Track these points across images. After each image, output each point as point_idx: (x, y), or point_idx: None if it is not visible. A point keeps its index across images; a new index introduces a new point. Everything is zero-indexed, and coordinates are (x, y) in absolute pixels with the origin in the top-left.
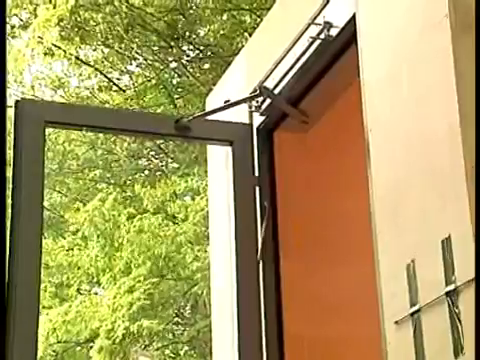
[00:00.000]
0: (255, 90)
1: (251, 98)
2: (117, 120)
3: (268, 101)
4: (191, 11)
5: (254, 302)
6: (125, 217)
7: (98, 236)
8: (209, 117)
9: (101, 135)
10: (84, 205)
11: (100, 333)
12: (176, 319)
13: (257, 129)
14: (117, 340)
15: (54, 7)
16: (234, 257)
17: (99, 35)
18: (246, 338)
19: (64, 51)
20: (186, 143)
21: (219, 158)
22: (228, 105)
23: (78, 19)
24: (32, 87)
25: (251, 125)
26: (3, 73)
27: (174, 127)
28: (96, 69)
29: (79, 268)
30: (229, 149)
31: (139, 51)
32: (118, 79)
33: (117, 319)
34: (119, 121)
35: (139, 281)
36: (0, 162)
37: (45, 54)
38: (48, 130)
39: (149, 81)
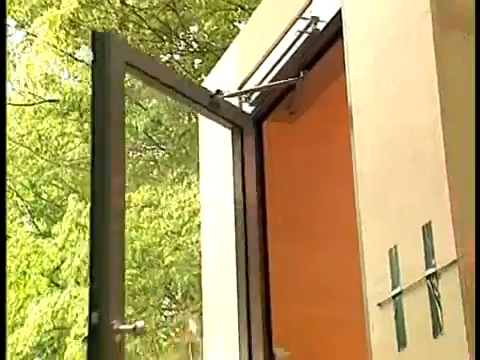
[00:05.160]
0: (245, 82)
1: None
2: (176, 82)
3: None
4: (184, 8)
5: (244, 285)
6: None
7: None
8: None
9: None
10: (78, 195)
11: (78, 321)
12: (167, 304)
13: None
14: None
15: (58, 8)
16: (227, 241)
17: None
18: (239, 321)
19: (61, 51)
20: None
21: (212, 145)
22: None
23: (72, 18)
24: (25, 85)
25: None
26: (3, 72)
27: (209, 102)
28: (88, 65)
29: (70, 265)
30: (230, 133)
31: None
32: None
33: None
34: (177, 84)
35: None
36: (0, 161)
37: (39, 52)
38: (47, 123)
39: None
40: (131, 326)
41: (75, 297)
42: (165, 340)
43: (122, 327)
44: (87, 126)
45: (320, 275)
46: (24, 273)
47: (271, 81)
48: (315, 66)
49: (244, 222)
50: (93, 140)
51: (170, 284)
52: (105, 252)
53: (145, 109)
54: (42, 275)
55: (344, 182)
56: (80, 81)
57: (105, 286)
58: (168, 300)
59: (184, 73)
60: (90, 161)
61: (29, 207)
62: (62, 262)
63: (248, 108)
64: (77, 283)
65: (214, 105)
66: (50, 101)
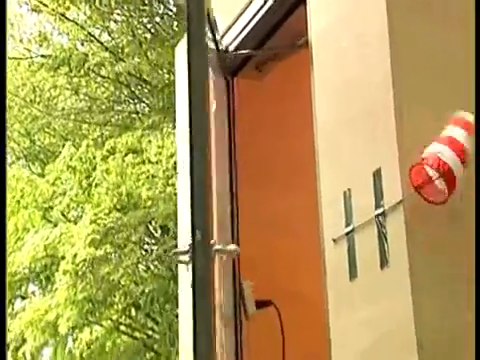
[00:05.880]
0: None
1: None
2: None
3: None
4: None
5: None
6: (100, 158)
7: (76, 176)
8: None
9: (83, 82)
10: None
11: (66, 256)
12: (147, 240)
13: None
14: (79, 264)
15: None
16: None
17: None
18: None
19: (53, 10)
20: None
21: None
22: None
23: None
24: (21, 40)
25: None
26: (3, 70)
27: (222, 57)
28: (78, 24)
29: (61, 202)
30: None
31: (118, 8)
32: (99, 33)
33: (80, 248)
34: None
35: (104, 213)
36: (0, 160)
37: (33, 10)
38: (40, 76)
39: (125, 36)
40: (228, 248)
41: (65, 233)
42: (145, 272)
43: (221, 247)
44: (76, 80)
45: (283, 215)
46: (18, 202)
47: (240, 42)
48: (280, 29)
49: (230, 166)
50: (191, 77)
51: (150, 223)
52: (205, 177)
53: (124, 61)
54: (36, 209)
55: (306, 134)
56: (70, 39)
57: (206, 208)
58: (147, 239)
59: (163, 34)
60: (188, 95)
61: (24, 152)
62: (52, 197)
63: None
64: (66, 219)
65: (223, 59)
66: (42, 56)
